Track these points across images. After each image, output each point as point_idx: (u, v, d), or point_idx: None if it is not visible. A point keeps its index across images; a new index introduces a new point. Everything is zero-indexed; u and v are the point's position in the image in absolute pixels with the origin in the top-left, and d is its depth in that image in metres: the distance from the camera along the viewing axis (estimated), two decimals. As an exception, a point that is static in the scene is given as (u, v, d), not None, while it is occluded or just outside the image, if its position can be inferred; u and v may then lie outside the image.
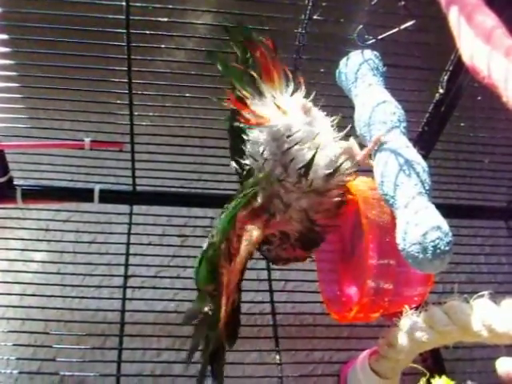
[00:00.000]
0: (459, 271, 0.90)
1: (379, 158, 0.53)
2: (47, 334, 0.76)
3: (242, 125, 0.58)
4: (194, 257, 0.55)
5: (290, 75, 0.60)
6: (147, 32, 0.71)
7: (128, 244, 0.83)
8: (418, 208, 0.47)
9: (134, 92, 0.75)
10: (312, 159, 0.53)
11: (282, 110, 0.56)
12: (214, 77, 0.74)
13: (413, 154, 0.51)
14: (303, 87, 0.60)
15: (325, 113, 0.59)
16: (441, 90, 0.74)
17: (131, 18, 0.68)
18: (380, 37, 0.65)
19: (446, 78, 0.73)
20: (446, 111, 0.76)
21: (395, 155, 0.51)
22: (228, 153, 0.62)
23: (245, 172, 0.57)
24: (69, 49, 0.75)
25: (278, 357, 0.74)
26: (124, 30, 0.69)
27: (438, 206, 0.48)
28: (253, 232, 0.53)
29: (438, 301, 0.53)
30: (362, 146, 0.58)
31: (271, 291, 0.81)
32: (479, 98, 0.76)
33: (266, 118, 0.56)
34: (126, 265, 0.82)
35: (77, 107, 0.81)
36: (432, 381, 0.48)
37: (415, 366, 0.52)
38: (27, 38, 0.72)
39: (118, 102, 0.77)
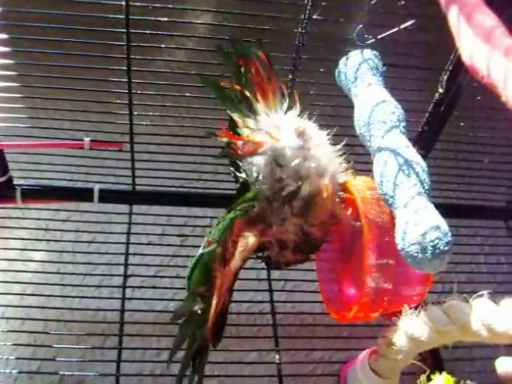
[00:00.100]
0: (458, 271, 0.90)
1: (379, 158, 0.53)
2: (47, 333, 0.76)
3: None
4: (194, 256, 0.56)
5: (286, 92, 0.60)
6: (147, 32, 0.71)
7: (128, 244, 0.83)
8: (418, 208, 0.47)
9: (133, 92, 0.75)
10: (296, 191, 0.54)
11: (274, 139, 0.55)
12: (214, 76, 0.74)
13: (412, 153, 0.51)
14: (298, 104, 0.59)
15: (320, 126, 0.59)
16: (440, 90, 0.74)
17: (131, 17, 0.68)
18: (380, 36, 0.65)
19: (445, 77, 0.73)
20: (445, 111, 0.76)
21: (395, 155, 0.51)
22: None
23: (240, 181, 0.58)
24: (68, 48, 0.75)
25: (277, 356, 0.74)
26: (124, 30, 0.69)
27: (438, 206, 0.48)
28: (249, 239, 0.54)
29: (437, 300, 0.53)
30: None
31: (271, 291, 0.81)
32: (479, 97, 0.76)
33: (259, 144, 0.55)
34: (126, 264, 0.82)
35: (76, 107, 0.81)
36: (432, 377, 0.48)
37: (415, 362, 0.51)
38: (27, 37, 0.72)
39: (118, 101, 0.77)
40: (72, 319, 0.79)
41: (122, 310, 0.76)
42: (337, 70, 0.64)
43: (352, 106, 0.60)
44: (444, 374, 0.47)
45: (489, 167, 0.89)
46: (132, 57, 0.71)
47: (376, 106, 0.55)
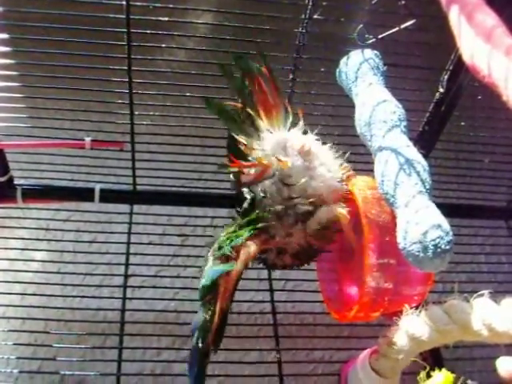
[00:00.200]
0: (459, 270, 0.90)
1: (380, 157, 0.53)
2: (47, 333, 0.76)
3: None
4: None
5: (289, 108, 0.60)
6: (148, 31, 0.71)
7: (128, 243, 0.83)
8: (419, 207, 0.47)
9: (134, 91, 0.75)
10: (311, 213, 0.55)
11: (283, 164, 0.55)
12: (214, 76, 0.75)
13: (413, 153, 0.52)
14: (301, 122, 0.59)
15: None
16: (441, 90, 0.74)
17: (132, 17, 0.68)
18: (380, 36, 0.65)
19: (446, 77, 0.73)
20: (446, 110, 0.76)
21: (396, 154, 0.51)
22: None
23: (244, 202, 0.57)
24: (69, 48, 0.75)
25: (278, 356, 0.74)
26: (124, 30, 0.69)
27: (439, 206, 0.48)
28: (251, 247, 0.55)
29: (438, 300, 0.53)
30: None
31: (271, 290, 0.81)
32: (479, 97, 0.76)
33: (266, 167, 0.55)
34: (127, 264, 0.82)
35: (77, 107, 0.81)
36: (432, 374, 0.48)
37: (416, 360, 0.51)
38: (28, 37, 0.72)
39: (119, 101, 0.77)
40: (73, 319, 0.79)
41: (123, 310, 0.76)
42: (337, 70, 0.64)
43: (353, 106, 0.60)
44: (443, 370, 0.47)
45: (489, 167, 0.89)
46: (133, 57, 0.71)
47: (377, 106, 0.55)
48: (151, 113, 0.80)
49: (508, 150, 0.87)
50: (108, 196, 0.85)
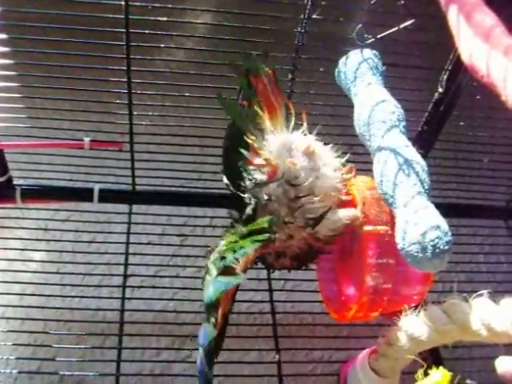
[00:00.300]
0: (458, 270, 0.90)
1: (378, 157, 0.53)
2: (47, 333, 0.76)
3: (242, 163, 0.57)
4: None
5: (292, 110, 0.59)
6: (146, 31, 0.71)
7: (127, 243, 0.83)
8: (418, 207, 0.47)
9: (133, 91, 0.75)
10: (323, 216, 0.54)
11: (293, 165, 0.54)
12: (213, 76, 0.75)
13: (412, 153, 0.52)
14: (305, 124, 0.59)
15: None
16: (440, 89, 0.74)
17: (130, 17, 0.68)
18: (379, 36, 0.65)
19: (445, 77, 0.73)
20: (445, 110, 0.76)
21: (394, 154, 0.51)
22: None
23: (247, 209, 0.57)
24: (68, 48, 0.75)
25: (277, 356, 0.74)
26: (123, 30, 0.69)
27: (437, 206, 0.48)
28: (249, 252, 0.54)
29: (437, 300, 0.53)
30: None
31: (271, 290, 0.81)
32: (478, 97, 0.76)
33: (275, 168, 0.55)
34: (126, 264, 0.82)
35: (76, 107, 0.81)
36: (429, 372, 0.48)
37: (416, 358, 0.51)
38: (26, 37, 0.72)
39: (118, 101, 0.77)
40: (72, 319, 0.79)
41: (122, 310, 0.76)
42: (336, 70, 0.64)
43: (352, 106, 0.60)
44: (441, 368, 0.47)
45: (488, 166, 0.89)
46: (131, 57, 0.71)
47: (376, 106, 0.55)
48: (150, 113, 0.80)
49: (507, 150, 0.87)
50: (107, 196, 0.85)
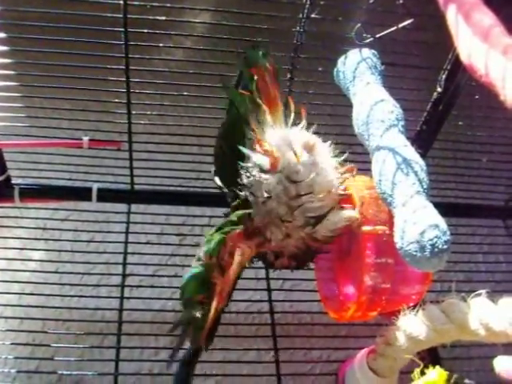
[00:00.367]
0: (457, 270, 0.90)
1: (377, 157, 0.53)
2: (45, 332, 0.77)
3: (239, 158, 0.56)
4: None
5: (292, 105, 0.58)
6: (145, 31, 0.71)
7: (126, 243, 0.83)
8: (416, 207, 0.47)
9: (132, 91, 0.75)
10: (325, 215, 0.53)
11: (296, 157, 0.53)
12: (212, 75, 0.75)
13: (411, 152, 0.51)
14: (304, 120, 0.58)
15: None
16: (439, 89, 0.74)
17: (129, 16, 0.68)
18: (378, 35, 0.65)
19: (443, 76, 0.73)
20: (443, 110, 0.76)
21: (393, 154, 0.51)
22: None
23: (236, 200, 0.56)
24: (67, 47, 0.75)
25: (276, 355, 0.74)
26: (122, 29, 0.69)
27: (436, 205, 0.48)
28: (245, 250, 0.54)
29: (435, 299, 0.53)
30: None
31: (269, 290, 0.81)
32: (477, 96, 0.76)
33: (276, 160, 0.54)
34: (124, 264, 0.81)
35: (75, 106, 0.81)
36: (426, 371, 0.48)
37: (413, 358, 0.51)
38: (25, 36, 0.72)
39: (117, 100, 0.77)
40: (70, 318, 0.79)
41: (121, 309, 0.76)
42: (335, 69, 0.64)
43: (350, 105, 0.60)
44: (437, 367, 0.47)
45: (487, 166, 0.89)
46: (130, 56, 0.71)
47: (374, 105, 0.55)
48: (149, 112, 0.80)
49: (506, 150, 0.87)
50: (106, 195, 0.85)
